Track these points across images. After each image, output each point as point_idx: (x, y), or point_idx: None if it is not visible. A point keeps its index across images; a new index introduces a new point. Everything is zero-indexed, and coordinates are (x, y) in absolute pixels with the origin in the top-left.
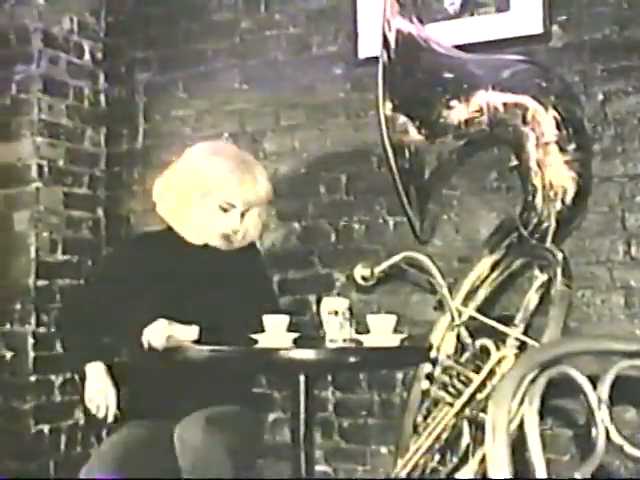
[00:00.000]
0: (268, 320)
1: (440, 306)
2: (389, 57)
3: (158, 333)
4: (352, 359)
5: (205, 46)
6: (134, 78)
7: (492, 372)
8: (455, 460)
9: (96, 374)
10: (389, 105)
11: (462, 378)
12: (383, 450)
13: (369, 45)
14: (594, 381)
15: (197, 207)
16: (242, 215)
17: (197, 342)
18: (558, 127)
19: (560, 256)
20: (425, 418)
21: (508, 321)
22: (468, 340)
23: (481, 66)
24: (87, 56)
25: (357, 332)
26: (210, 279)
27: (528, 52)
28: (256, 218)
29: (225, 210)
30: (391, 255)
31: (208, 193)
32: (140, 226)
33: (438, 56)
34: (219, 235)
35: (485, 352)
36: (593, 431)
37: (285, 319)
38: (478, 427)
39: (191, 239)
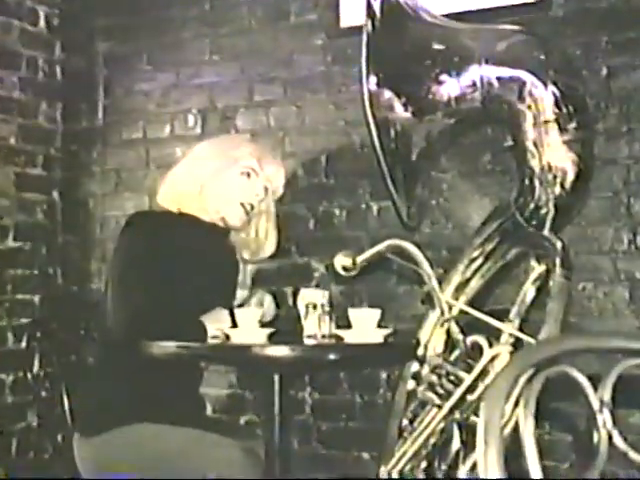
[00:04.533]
0: (240, 314)
1: (428, 299)
2: (373, 27)
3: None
4: (332, 357)
5: (172, 13)
6: (94, 48)
7: (484, 371)
8: (444, 467)
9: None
10: (373, 79)
11: (452, 378)
12: (365, 456)
13: (352, 13)
14: (595, 382)
15: (217, 178)
16: (264, 192)
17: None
18: (557, 104)
19: (559, 245)
20: (411, 422)
21: (502, 316)
22: (459, 336)
23: (474, 37)
24: (42, 23)
25: (337, 327)
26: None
27: (526, 22)
28: (272, 209)
29: (248, 175)
30: (375, 243)
31: (229, 160)
32: (99, 210)
33: (427, 26)
34: (239, 206)
35: (477, 349)
36: (595, 436)
37: (258, 312)
38: (469, 431)
39: (208, 215)
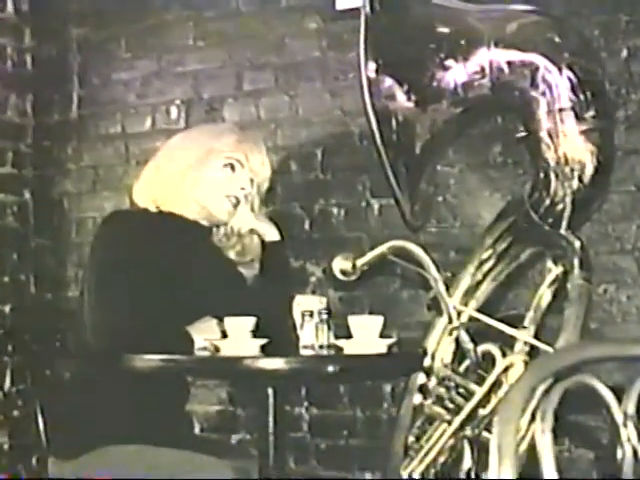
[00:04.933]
0: (230, 323)
1: (435, 305)
2: (372, 8)
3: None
4: (330, 369)
5: None
6: (67, 34)
7: (497, 383)
8: None
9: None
10: (373, 66)
11: (462, 391)
12: (368, 477)
13: None
14: (619, 393)
15: (199, 170)
16: (251, 185)
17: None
18: (574, 90)
19: (577, 244)
20: (418, 439)
21: (516, 322)
22: (469, 345)
23: (482, 18)
24: (10, 8)
25: (336, 337)
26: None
27: (539, 0)
28: (256, 205)
29: (232, 168)
30: (376, 245)
31: (211, 151)
32: (75, 211)
33: (431, 7)
34: (224, 199)
35: (489, 359)
36: (618, 452)
37: (250, 321)
38: (481, 449)
39: (190, 210)
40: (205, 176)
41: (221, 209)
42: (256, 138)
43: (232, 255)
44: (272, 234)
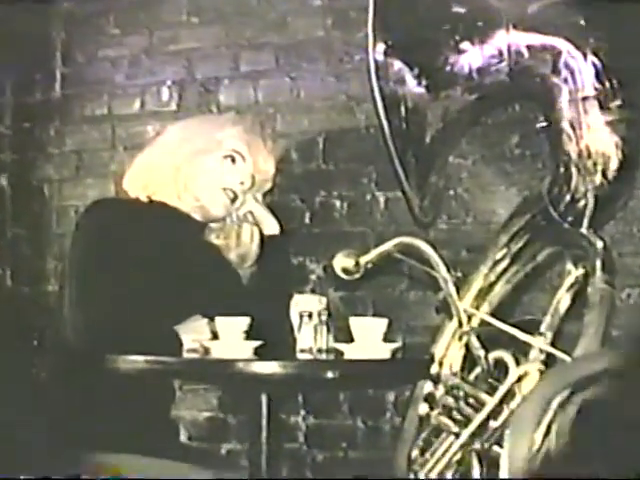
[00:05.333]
0: (222, 323)
1: (444, 308)
2: None
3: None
4: (330, 375)
5: None
6: (51, 7)
7: (510, 393)
8: None
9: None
10: (381, 47)
11: (471, 401)
12: None
13: None
14: None
15: (196, 160)
16: (251, 181)
17: None
18: (599, 78)
19: (600, 245)
20: (423, 452)
21: (532, 328)
22: (480, 352)
23: None
24: None
25: (336, 340)
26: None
27: None
28: (260, 201)
29: (233, 160)
30: (381, 241)
31: (213, 142)
32: (56, 199)
33: None
34: (221, 192)
35: (501, 367)
36: None
37: (244, 322)
38: (491, 464)
39: (184, 202)
40: (203, 166)
41: (216, 202)
42: (262, 131)
43: (234, 258)
44: (272, 226)
